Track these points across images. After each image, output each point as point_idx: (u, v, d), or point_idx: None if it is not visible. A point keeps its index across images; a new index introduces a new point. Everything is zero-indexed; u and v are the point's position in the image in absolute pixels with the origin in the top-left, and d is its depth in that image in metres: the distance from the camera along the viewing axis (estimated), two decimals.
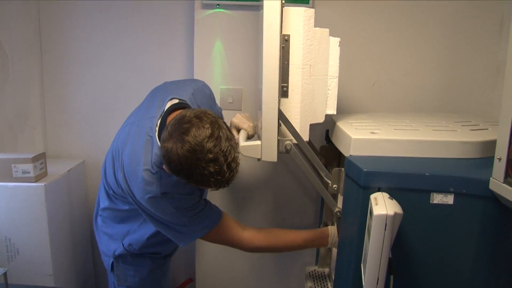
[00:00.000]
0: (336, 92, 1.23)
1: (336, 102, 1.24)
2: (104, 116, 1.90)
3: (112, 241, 1.36)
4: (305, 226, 1.85)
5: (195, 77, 1.73)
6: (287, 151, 1.17)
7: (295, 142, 1.19)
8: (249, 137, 1.26)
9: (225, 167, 1.00)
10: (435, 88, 1.71)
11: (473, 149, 1.09)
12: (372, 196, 0.95)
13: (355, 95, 1.72)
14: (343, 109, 1.71)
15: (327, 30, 1.19)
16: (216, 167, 0.99)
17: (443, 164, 1.04)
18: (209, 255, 1.91)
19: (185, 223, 1.19)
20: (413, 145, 1.09)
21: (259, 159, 1.17)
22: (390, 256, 0.91)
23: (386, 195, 0.94)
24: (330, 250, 1.57)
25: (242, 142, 1.19)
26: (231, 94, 1.74)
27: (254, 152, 1.16)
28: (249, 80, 1.73)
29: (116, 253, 1.34)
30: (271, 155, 1.15)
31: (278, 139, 1.15)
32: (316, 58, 1.18)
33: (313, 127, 1.72)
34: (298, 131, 1.19)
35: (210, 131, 0.99)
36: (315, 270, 1.60)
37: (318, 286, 1.49)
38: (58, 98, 1.91)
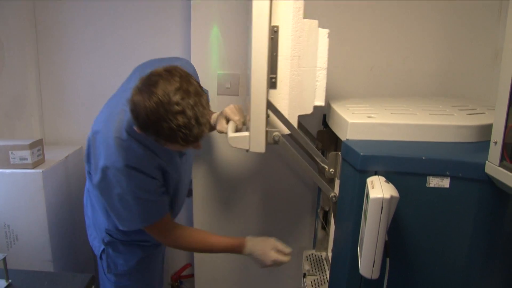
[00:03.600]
0: (325, 84, 1.23)
1: (324, 93, 1.23)
2: (101, 102, 1.84)
3: (98, 227, 1.36)
4: (302, 212, 1.86)
5: (192, 62, 1.71)
6: (276, 142, 1.16)
7: (286, 132, 1.18)
8: (237, 130, 1.25)
9: (193, 121, 0.98)
10: (433, 73, 1.70)
11: (470, 133, 1.09)
12: (369, 180, 0.95)
13: (352, 80, 1.72)
14: (340, 94, 1.70)
15: (316, 21, 1.18)
16: (185, 120, 0.97)
17: (439, 148, 1.04)
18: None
19: (131, 207, 1.17)
20: (410, 129, 1.09)
21: (247, 150, 1.16)
22: (387, 239, 0.91)
23: (382, 178, 0.95)
24: (327, 234, 1.57)
25: (231, 133, 1.18)
26: (228, 79, 1.73)
27: (243, 143, 1.15)
28: (246, 65, 1.70)
29: (106, 240, 1.34)
30: (260, 146, 1.15)
31: (266, 130, 1.15)
32: (304, 49, 1.17)
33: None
34: (286, 122, 1.18)
35: (178, 84, 0.98)
36: (312, 254, 1.61)
37: (315, 269, 1.50)
38: (55, 85, 1.90)
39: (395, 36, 1.68)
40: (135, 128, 1.05)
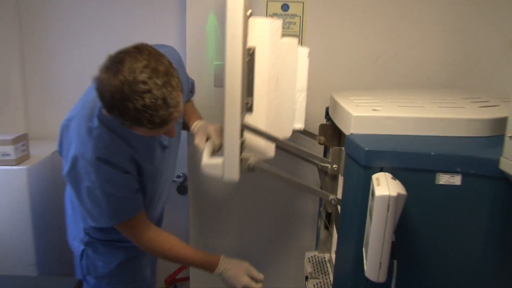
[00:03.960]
0: (305, 106, 1.24)
1: (304, 115, 1.24)
2: None
3: (77, 226, 1.35)
4: (304, 210, 1.85)
5: (187, 52, 1.71)
6: (251, 170, 1.15)
7: (268, 155, 1.18)
8: (215, 150, 1.26)
9: (160, 102, 0.97)
10: (443, 63, 1.69)
11: (482, 127, 1.08)
12: (374, 177, 0.94)
13: (356, 71, 1.71)
14: (344, 86, 1.70)
15: (296, 41, 1.19)
16: (152, 100, 0.96)
17: (450, 143, 1.04)
18: (203, 238, 1.91)
19: (100, 202, 1.16)
20: (418, 122, 1.08)
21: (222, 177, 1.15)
22: (394, 239, 0.91)
23: (388, 175, 0.94)
24: (331, 234, 1.57)
25: (205, 158, 1.17)
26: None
27: (216, 170, 1.15)
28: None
29: (85, 240, 1.33)
30: (233, 174, 1.13)
31: (241, 158, 1.14)
32: (283, 71, 1.18)
33: (311, 104, 1.72)
34: (263, 147, 1.19)
35: (146, 62, 0.97)
36: (315, 256, 1.61)
37: (318, 272, 1.49)
38: (41, 77, 1.88)
39: (402, 24, 1.66)
40: (103, 111, 1.04)
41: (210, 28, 1.68)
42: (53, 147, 1.75)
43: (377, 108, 1.14)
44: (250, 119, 1.16)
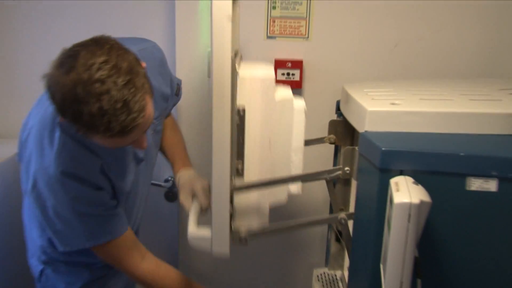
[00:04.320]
0: (301, 167, 1.26)
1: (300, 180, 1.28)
2: None
3: (33, 242, 1.33)
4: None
5: (177, 39, 1.73)
6: (244, 243, 1.17)
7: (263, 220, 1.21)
8: (202, 211, 1.29)
9: (120, 105, 0.92)
10: (475, 48, 1.68)
11: None
12: (393, 181, 0.93)
13: (372, 59, 1.71)
14: (358, 76, 1.69)
15: (291, 98, 1.21)
16: (111, 103, 0.91)
17: (483, 142, 1.03)
18: (194, 251, 1.90)
19: (71, 222, 1.15)
20: (445, 118, 1.07)
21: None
22: (417, 254, 0.90)
23: (410, 179, 0.93)
24: (342, 248, 1.56)
25: (192, 226, 1.19)
26: None
27: (204, 244, 1.15)
28: (244, 40, 1.70)
29: (42, 258, 1.32)
30: (223, 248, 1.14)
31: (231, 230, 1.14)
32: (277, 130, 1.20)
33: (320, 98, 1.71)
34: (256, 214, 1.20)
35: (106, 57, 0.92)
36: (324, 273, 1.60)
37: None
38: (4, 67, 1.87)
39: (426, 3, 1.66)
40: (59, 118, 1.00)
41: (203, 11, 1.68)
42: (15, 148, 1.74)
43: (396, 101, 1.13)
44: (240, 184, 1.17)
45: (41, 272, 1.33)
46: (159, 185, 1.96)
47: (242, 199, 1.19)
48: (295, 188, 1.27)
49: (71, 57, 0.93)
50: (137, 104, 0.95)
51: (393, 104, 1.11)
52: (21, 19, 1.83)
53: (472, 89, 1.31)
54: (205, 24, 1.69)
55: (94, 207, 1.16)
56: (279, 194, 1.26)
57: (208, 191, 1.30)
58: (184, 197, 1.31)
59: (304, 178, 1.26)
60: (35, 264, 1.35)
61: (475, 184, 0.95)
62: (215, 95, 1.02)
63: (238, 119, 1.11)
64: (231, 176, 1.09)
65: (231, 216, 1.15)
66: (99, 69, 0.91)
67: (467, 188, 0.95)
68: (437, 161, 0.96)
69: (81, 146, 1.11)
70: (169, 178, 1.99)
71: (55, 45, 1.80)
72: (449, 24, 1.67)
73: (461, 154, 0.95)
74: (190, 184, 1.33)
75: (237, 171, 1.16)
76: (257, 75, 1.14)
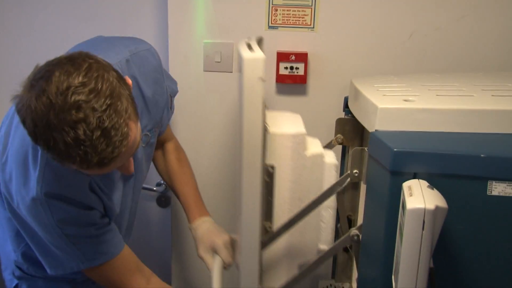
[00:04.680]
0: (332, 224, 1.30)
1: (331, 236, 1.31)
2: None
3: (6, 256, 1.33)
4: None
5: (169, 30, 1.73)
6: None
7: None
8: (225, 266, 1.37)
9: (98, 134, 0.89)
10: (501, 38, 1.68)
11: None
12: (406, 185, 0.93)
13: (383, 51, 1.71)
14: (367, 71, 1.70)
15: (321, 154, 1.24)
16: (88, 133, 0.88)
17: (506, 142, 1.02)
18: (187, 258, 1.93)
19: (62, 246, 1.15)
20: (464, 116, 1.06)
21: None
22: (431, 265, 0.89)
23: (424, 183, 0.92)
24: (350, 258, 1.56)
25: (217, 284, 1.28)
26: (219, 50, 1.74)
27: None
28: (244, 31, 1.71)
29: (16, 273, 1.31)
30: None
31: None
32: (307, 188, 1.24)
33: (326, 94, 1.71)
34: (285, 274, 1.26)
35: (81, 79, 0.89)
36: (331, 285, 1.61)
37: None
38: None
39: None
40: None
41: None
42: None
43: (410, 98, 1.13)
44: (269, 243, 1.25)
45: (16, 287, 1.34)
46: (151, 190, 1.96)
47: (271, 258, 1.25)
48: (324, 245, 1.30)
49: (43, 79, 0.89)
50: (118, 132, 0.92)
51: (406, 100, 1.11)
52: (3, 13, 1.85)
53: (494, 84, 1.30)
54: (201, 12, 1.69)
55: (84, 228, 1.16)
56: (308, 252, 1.29)
57: (230, 246, 1.35)
58: (204, 252, 1.36)
59: (318, 200, 1.27)
60: (9, 279, 1.35)
61: (498, 189, 0.95)
62: (245, 154, 1.09)
63: (267, 176, 1.17)
64: (260, 235, 1.15)
65: (260, 276, 1.19)
66: (74, 93, 0.88)
67: (489, 193, 0.95)
68: (455, 163, 0.96)
69: None
70: (161, 182, 1.99)
71: (37, 44, 1.85)
72: (470, 12, 1.66)
73: (482, 155, 0.94)
74: (209, 238, 1.37)
75: (266, 231, 1.22)
76: (288, 131, 1.20)
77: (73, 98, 0.87)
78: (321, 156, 1.23)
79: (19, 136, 1.10)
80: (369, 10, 1.66)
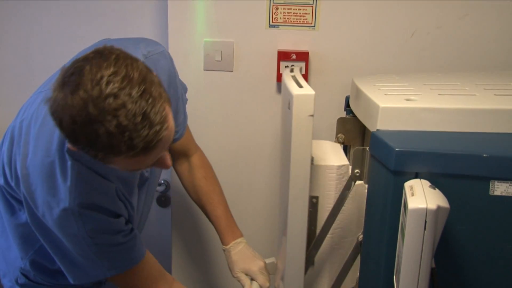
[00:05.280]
0: None
1: None
2: (40, 81, 1.87)
3: (10, 262, 1.33)
4: None
5: (169, 28, 1.73)
6: None
7: None
8: None
9: (139, 119, 0.90)
10: (503, 37, 1.67)
11: None
12: (407, 184, 0.93)
13: (385, 50, 1.71)
14: (369, 70, 1.69)
15: (363, 184, 1.24)
16: (129, 118, 0.89)
17: (508, 142, 1.02)
18: (187, 258, 1.91)
19: (89, 255, 1.16)
20: (466, 115, 1.07)
21: None
22: (433, 265, 0.90)
23: (426, 183, 0.92)
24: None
25: None
26: (219, 49, 1.73)
27: None
28: (244, 30, 1.71)
29: (20, 281, 1.31)
30: None
31: None
32: (348, 218, 1.29)
33: (327, 93, 1.71)
34: None
35: (112, 69, 0.90)
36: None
37: None
38: None
39: None
40: (68, 145, 1.00)
41: None
42: None
43: (412, 97, 1.13)
44: (310, 273, 1.30)
45: None
46: None
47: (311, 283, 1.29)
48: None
49: (74, 75, 0.90)
50: (158, 115, 0.92)
51: (408, 100, 1.11)
52: (6, 18, 1.86)
53: (497, 83, 1.31)
54: (201, 10, 1.69)
55: (113, 236, 1.17)
56: (348, 280, 1.31)
57: (265, 271, 1.42)
58: (239, 273, 1.40)
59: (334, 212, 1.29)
60: (9, 286, 1.35)
61: (500, 189, 0.95)
62: (292, 187, 1.14)
63: (311, 206, 1.20)
64: (305, 263, 1.20)
65: None
66: (109, 82, 0.88)
67: (491, 193, 0.95)
68: (457, 163, 0.96)
69: (94, 172, 1.11)
70: (162, 181, 1.99)
71: (34, 41, 1.85)
72: (472, 11, 1.66)
73: (484, 155, 0.95)
74: (244, 263, 1.41)
75: (308, 260, 1.26)
76: (333, 163, 1.25)
77: (108, 87, 0.88)
78: (363, 186, 1.23)
79: (42, 147, 1.10)
80: (370, 9, 1.66)
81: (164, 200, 2.01)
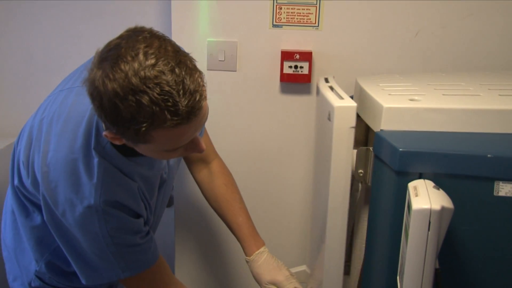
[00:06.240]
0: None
1: None
2: (46, 81, 1.85)
3: (23, 265, 1.32)
4: None
5: (173, 28, 1.73)
6: None
7: None
8: None
9: (180, 85, 0.92)
10: (507, 38, 1.67)
11: None
12: (411, 185, 0.93)
13: (389, 50, 1.70)
14: (373, 70, 1.69)
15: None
16: (170, 85, 0.92)
17: None
18: (191, 256, 1.91)
19: (106, 255, 1.16)
20: (470, 116, 1.07)
21: None
22: (437, 266, 0.90)
23: (430, 183, 0.93)
24: (355, 258, 1.55)
25: None
26: (223, 49, 1.73)
27: None
28: (248, 30, 1.71)
29: (33, 285, 1.31)
30: None
31: None
32: None
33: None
34: None
35: (147, 43, 0.94)
36: None
37: None
38: None
39: None
40: (104, 133, 1.01)
41: None
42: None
43: (416, 97, 1.13)
44: (345, 280, 1.32)
45: None
46: None
47: None
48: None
49: (112, 50, 0.93)
50: (196, 82, 0.95)
51: (412, 100, 1.11)
52: (9, 17, 1.86)
53: (501, 83, 1.31)
54: (204, 10, 1.69)
55: (132, 237, 1.18)
56: None
57: (292, 279, 1.40)
58: (266, 284, 1.39)
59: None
60: None
61: (505, 189, 0.95)
62: (331, 199, 1.16)
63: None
64: (342, 277, 1.23)
65: None
66: (146, 53, 0.92)
67: (495, 193, 0.95)
68: (461, 164, 0.96)
69: (119, 170, 1.13)
70: None
71: (36, 40, 1.85)
72: (477, 10, 1.65)
73: (489, 155, 0.95)
74: (270, 275, 1.39)
75: (345, 270, 1.27)
76: None
77: (147, 57, 0.91)
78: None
79: (66, 145, 1.11)
80: (374, 9, 1.65)
81: (169, 201, 2.01)
